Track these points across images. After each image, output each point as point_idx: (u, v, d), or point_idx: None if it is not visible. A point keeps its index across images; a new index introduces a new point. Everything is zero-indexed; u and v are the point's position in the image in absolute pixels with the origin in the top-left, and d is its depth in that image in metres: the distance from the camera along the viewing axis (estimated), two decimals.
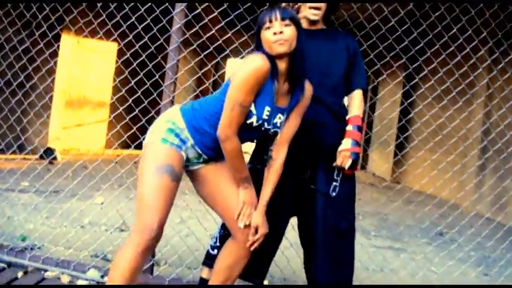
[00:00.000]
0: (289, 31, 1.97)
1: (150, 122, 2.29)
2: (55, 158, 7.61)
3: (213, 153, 2.10)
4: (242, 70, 1.93)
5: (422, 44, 3.58)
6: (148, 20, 3.22)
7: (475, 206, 6.51)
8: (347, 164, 2.33)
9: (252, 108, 1.98)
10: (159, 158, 1.98)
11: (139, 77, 3.40)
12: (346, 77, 2.43)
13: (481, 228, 4.55)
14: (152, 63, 3.51)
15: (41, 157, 7.39)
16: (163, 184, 1.95)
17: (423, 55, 4.31)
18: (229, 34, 3.32)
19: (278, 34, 1.95)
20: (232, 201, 2.11)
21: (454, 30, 3.44)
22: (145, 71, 3.49)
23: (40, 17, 3.76)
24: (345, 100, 2.50)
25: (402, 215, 6.37)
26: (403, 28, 3.52)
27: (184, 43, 3.08)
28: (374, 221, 5.85)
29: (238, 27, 3.49)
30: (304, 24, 2.40)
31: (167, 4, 3.21)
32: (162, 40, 3.43)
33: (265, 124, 2.05)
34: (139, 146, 2.41)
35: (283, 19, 1.97)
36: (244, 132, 2.03)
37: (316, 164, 2.40)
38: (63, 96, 8.56)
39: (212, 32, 3.46)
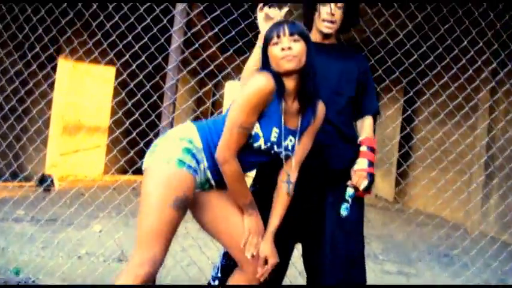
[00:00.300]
0: (298, 47, 1.86)
1: (148, 145, 2.14)
2: (52, 185, 7.45)
3: (221, 178, 1.94)
4: (244, 90, 1.84)
5: (422, 67, 3.50)
6: (146, 39, 3.12)
7: (480, 225, 6.37)
8: (362, 184, 2.19)
9: (258, 130, 1.87)
10: (175, 188, 1.81)
11: (136, 98, 3.31)
12: (356, 98, 2.31)
13: (487, 247, 4.41)
14: (150, 83, 3.40)
15: (38, 184, 7.23)
16: (175, 218, 1.81)
17: (423, 77, 4.22)
18: (225, 55, 3.23)
19: (286, 50, 1.84)
20: (238, 229, 1.95)
21: (456, 51, 3.36)
22: (143, 91, 3.40)
23: (33, 38, 3.66)
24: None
25: (409, 237, 6.20)
26: (402, 51, 3.43)
27: (183, 63, 2.98)
28: (380, 244, 5.68)
29: (238, 45, 3.39)
30: (316, 38, 2.29)
31: (165, 22, 3.11)
32: (160, 59, 3.33)
33: (275, 147, 1.92)
34: (137, 171, 2.27)
35: (291, 34, 1.87)
36: (253, 156, 1.92)
37: (324, 187, 2.25)
38: (60, 122, 8.45)
39: (212, 49, 3.37)
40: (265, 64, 1.93)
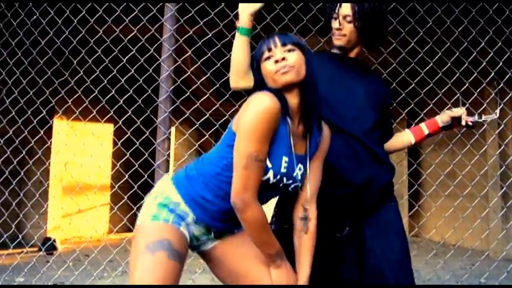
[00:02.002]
0: (294, 56, 1.63)
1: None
2: (55, 249, 7.25)
3: (225, 224, 1.70)
4: (248, 115, 1.54)
5: (422, 95, 3.42)
6: (139, 100, 3.04)
7: (503, 248, 6.12)
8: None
9: (268, 162, 1.58)
10: (150, 235, 1.59)
11: (126, 156, 3.19)
12: (382, 121, 2.15)
13: None
14: (139, 140, 3.31)
15: (40, 249, 7.03)
16: (158, 262, 1.53)
17: (422, 104, 4.13)
18: (222, 101, 3.14)
19: (280, 61, 1.61)
20: (264, 282, 1.67)
21: (458, 74, 3.28)
22: (134, 147, 3.27)
23: (23, 101, 3.59)
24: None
25: (431, 268, 5.95)
26: (399, 78, 3.35)
27: (177, 114, 2.89)
28: None
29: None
30: (337, 51, 2.14)
31: (152, 70, 3.05)
32: (148, 112, 3.25)
33: (284, 179, 1.64)
34: None
35: (284, 44, 1.64)
36: (259, 193, 1.60)
37: (358, 218, 2.02)
38: (59, 183, 8.33)
39: (206, 96, 3.29)
40: (261, 85, 1.68)
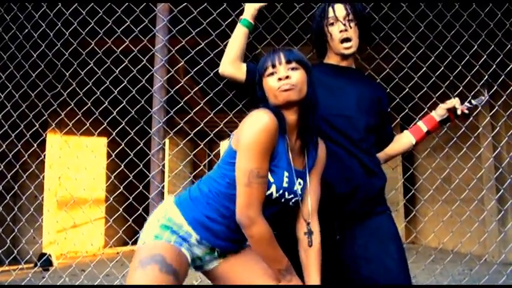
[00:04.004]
0: (297, 75, 1.65)
1: (145, 214, 1.96)
2: (51, 264, 7.17)
3: (229, 244, 1.69)
4: (248, 132, 1.56)
5: (415, 99, 3.41)
6: (133, 113, 3.02)
7: (501, 252, 6.10)
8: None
9: (270, 177, 1.60)
10: (145, 252, 1.58)
11: (120, 168, 3.16)
12: (378, 128, 2.13)
13: None
14: (134, 151, 3.29)
15: (36, 265, 6.95)
16: (149, 274, 1.51)
17: (417, 108, 4.13)
18: (215, 111, 3.13)
19: (284, 79, 1.63)
20: None
21: (451, 78, 3.28)
22: (127, 159, 3.25)
23: (15, 114, 3.56)
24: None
25: (429, 274, 5.93)
26: (392, 83, 3.35)
27: (171, 125, 2.87)
28: None
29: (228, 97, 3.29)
30: (333, 60, 2.13)
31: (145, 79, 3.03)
32: (142, 123, 3.23)
33: (286, 194, 1.65)
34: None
35: (288, 62, 1.66)
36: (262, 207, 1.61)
37: (348, 226, 2.00)
38: (54, 198, 8.26)
39: (199, 106, 3.27)
40: (262, 98, 1.71)
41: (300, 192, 1.70)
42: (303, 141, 1.72)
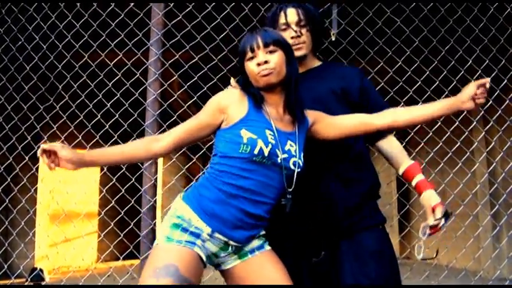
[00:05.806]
0: (275, 58, 1.71)
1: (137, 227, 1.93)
2: (42, 279, 7.07)
3: (240, 232, 1.67)
4: None
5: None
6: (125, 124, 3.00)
7: (496, 269, 6.06)
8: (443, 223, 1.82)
9: (250, 134, 1.66)
10: (159, 260, 1.59)
11: (112, 182, 3.13)
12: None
13: None
14: (125, 165, 3.25)
15: (27, 280, 6.85)
16: None
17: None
18: None
19: (262, 64, 1.70)
20: None
21: (446, 92, 3.28)
22: (119, 173, 3.21)
23: (8, 127, 3.53)
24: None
25: None
26: (387, 97, 3.34)
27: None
28: None
29: None
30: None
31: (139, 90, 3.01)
32: (135, 136, 3.20)
33: (278, 152, 1.68)
34: (131, 256, 2.06)
35: (266, 45, 1.71)
36: (263, 175, 1.68)
37: (334, 242, 1.94)
38: (46, 212, 8.17)
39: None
40: (245, 81, 1.78)
41: (295, 154, 1.73)
42: (291, 114, 1.78)
